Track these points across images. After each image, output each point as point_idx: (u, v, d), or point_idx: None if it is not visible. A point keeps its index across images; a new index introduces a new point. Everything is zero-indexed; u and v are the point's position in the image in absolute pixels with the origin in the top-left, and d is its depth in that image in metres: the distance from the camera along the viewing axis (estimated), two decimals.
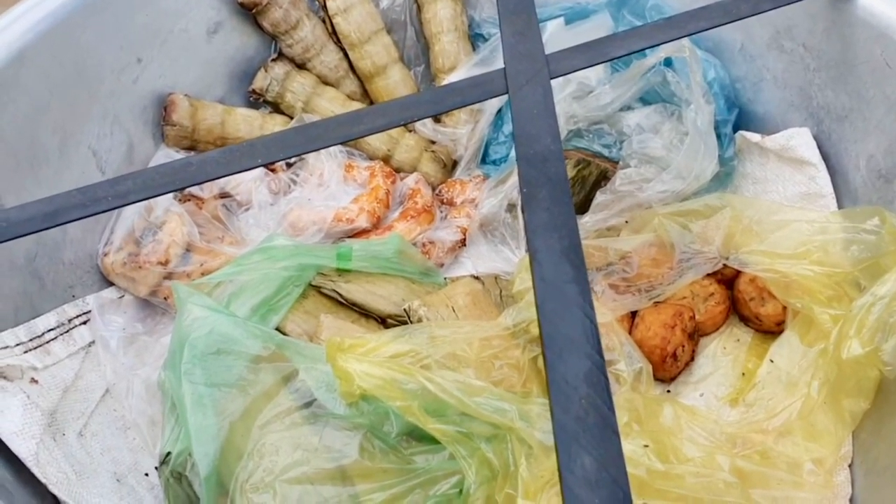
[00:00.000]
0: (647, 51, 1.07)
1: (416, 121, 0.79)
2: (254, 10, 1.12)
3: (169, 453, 0.83)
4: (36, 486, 0.72)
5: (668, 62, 1.11)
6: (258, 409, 0.83)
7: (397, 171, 1.19)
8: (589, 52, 0.87)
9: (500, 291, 1.01)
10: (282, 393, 0.84)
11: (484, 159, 1.22)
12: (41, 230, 0.67)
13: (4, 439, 0.69)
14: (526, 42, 0.87)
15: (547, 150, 0.74)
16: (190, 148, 1.12)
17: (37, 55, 0.93)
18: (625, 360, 0.87)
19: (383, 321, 0.98)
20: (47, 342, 0.86)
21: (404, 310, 0.95)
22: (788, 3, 0.94)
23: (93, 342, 0.92)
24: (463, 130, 1.19)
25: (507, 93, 0.82)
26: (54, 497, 0.74)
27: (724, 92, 1.13)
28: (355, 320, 0.97)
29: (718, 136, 1.09)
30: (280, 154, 0.75)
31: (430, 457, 0.81)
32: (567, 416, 0.56)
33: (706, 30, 0.91)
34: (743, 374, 0.96)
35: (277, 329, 0.93)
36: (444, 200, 1.17)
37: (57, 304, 0.93)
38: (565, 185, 0.71)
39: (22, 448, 0.70)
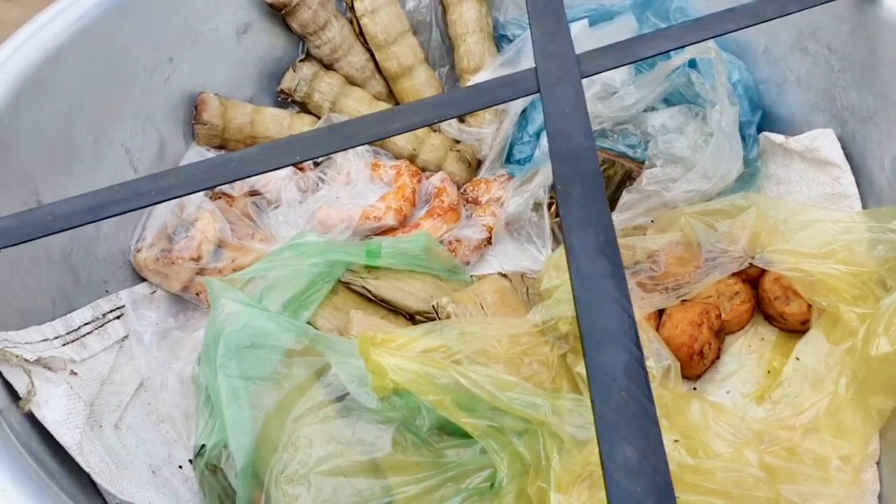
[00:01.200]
0: (672, 52, 1.08)
1: (449, 118, 0.81)
2: (283, 11, 1.14)
3: (203, 446, 0.84)
4: (79, 477, 0.74)
5: (692, 63, 1.12)
6: (292, 402, 0.84)
7: (422, 170, 1.20)
8: (619, 53, 0.88)
9: (527, 289, 1.02)
10: (315, 387, 0.85)
11: (508, 159, 1.23)
12: (85, 224, 0.69)
13: (50, 428, 0.71)
14: (556, 42, 0.88)
15: (580, 148, 0.75)
16: (220, 147, 1.14)
17: (73, 53, 0.95)
18: (653, 357, 0.88)
19: (411, 317, 0.99)
20: (83, 336, 0.88)
21: (433, 306, 0.96)
22: (814, 5, 0.95)
23: (126, 337, 0.94)
24: (488, 130, 1.20)
25: (538, 92, 0.83)
26: (94, 487, 0.76)
27: (748, 93, 1.14)
28: (384, 316, 0.98)
29: (742, 138, 1.10)
30: (317, 151, 0.77)
31: (461, 451, 0.82)
32: (607, 407, 0.57)
33: (733, 31, 0.92)
34: (768, 371, 0.97)
35: (308, 324, 0.95)
36: (469, 199, 1.18)
37: (91, 298, 0.94)
38: (599, 181, 0.72)
39: (66, 437, 0.71)
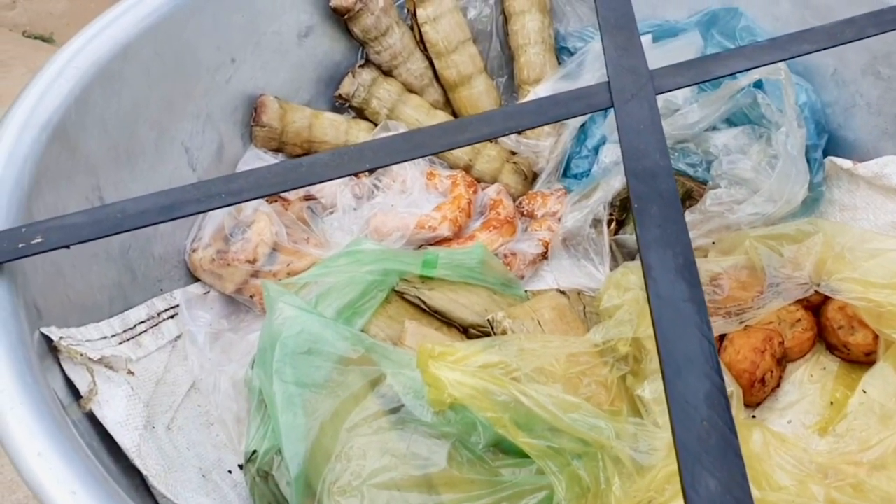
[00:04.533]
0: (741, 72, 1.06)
1: (520, 130, 0.80)
2: (346, 16, 1.13)
3: (255, 451, 0.83)
4: (132, 478, 0.73)
5: (758, 84, 1.10)
6: (346, 411, 0.83)
7: (478, 181, 1.19)
8: (693, 70, 0.87)
9: (584, 307, 1.00)
10: (369, 396, 0.84)
11: (565, 173, 1.21)
12: (156, 223, 0.68)
13: (109, 429, 0.70)
14: (629, 57, 0.87)
15: (656, 166, 0.74)
16: (277, 150, 1.14)
17: (140, 50, 0.95)
18: None
19: (465, 330, 0.98)
20: (139, 334, 0.87)
21: (488, 320, 0.94)
22: (894, 29, 0.92)
23: (179, 336, 0.93)
24: (546, 143, 1.18)
25: (611, 106, 0.82)
26: (147, 489, 0.75)
27: (815, 116, 1.12)
28: (438, 328, 0.97)
29: (808, 161, 1.07)
30: (387, 159, 0.76)
31: (517, 470, 0.81)
32: (689, 435, 0.55)
33: (809, 53, 0.90)
34: (831, 403, 0.94)
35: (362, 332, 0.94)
36: (525, 213, 1.16)
37: (146, 296, 0.94)
38: (676, 201, 0.71)
39: (126, 439, 0.70)
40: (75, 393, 0.71)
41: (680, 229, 0.67)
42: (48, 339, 0.70)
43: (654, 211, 0.69)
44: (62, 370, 0.70)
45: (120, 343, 0.83)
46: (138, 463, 0.71)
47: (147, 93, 0.96)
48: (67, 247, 0.66)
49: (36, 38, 2.48)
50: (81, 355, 0.69)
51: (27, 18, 2.54)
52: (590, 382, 0.86)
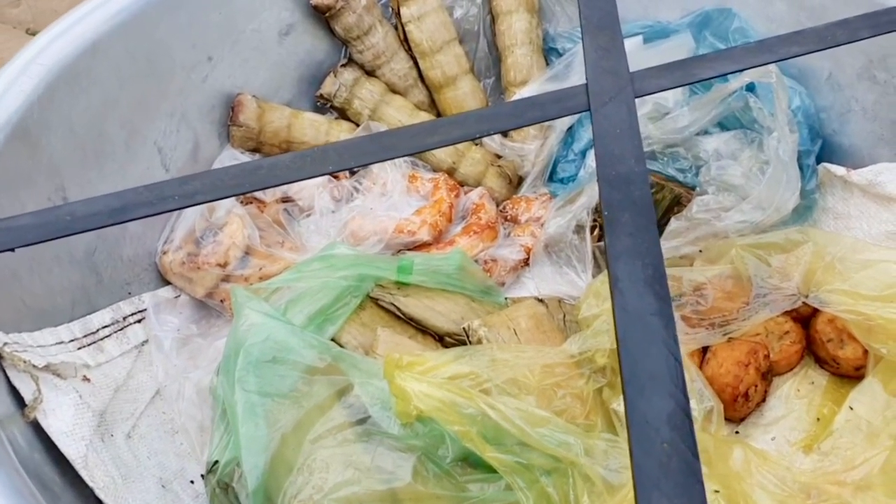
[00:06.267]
0: (730, 75, 1.03)
1: (492, 134, 0.77)
2: (327, 14, 1.11)
3: (217, 462, 0.81)
4: (82, 489, 0.70)
5: (750, 87, 1.07)
6: (310, 422, 0.80)
7: (461, 184, 1.16)
8: (676, 73, 0.83)
9: (564, 316, 0.97)
10: (335, 407, 0.81)
11: (551, 177, 1.18)
12: (106, 226, 0.65)
13: (54, 439, 0.68)
14: (610, 58, 0.83)
15: (631, 172, 0.70)
16: (255, 150, 1.11)
17: (111, 48, 0.93)
18: (695, 398, 0.83)
19: (441, 338, 0.95)
20: (101, 339, 0.85)
21: (463, 329, 0.92)
22: (889, 31, 0.89)
23: (146, 341, 0.91)
24: (531, 146, 1.16)
25: (588, 110, 0.79)
26: (99, 500, 0.72)
27: (809, 121, 1.08)
28: (412, 336, 0.94)
29: (800, 168, 1.04)
30: (351, 162, 0.73)
31: (485, 485, 0.78)
32: (648, 459, 0.52)
33: (799, 55, 0.86)
34: (818, 419, 0.91)
35: (333, 340, 0.91)
36: (508, 217, 1.13)
37: (113, 299, 0.91)
38: (650, 209, 0.67)
39: (71, 449, 0.68)
40: (21, 402, 0.68)
41: (651, 239, 0.64)
42: None
43: (626, 219, 0.66)
44: (7, 378, 0.68)
45: (79, 348, 0.80)
46: (84, 475, 0.68)
47: (118, 91, 0.94)
48: (12, 250, 0.64)
49: None
50: (25, 362, 0.67)
51: (31, 16, 2.52)
52: (564, 394, 0.83)
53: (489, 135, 0.77)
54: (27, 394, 0.68)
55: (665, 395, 0.55)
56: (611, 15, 0.89)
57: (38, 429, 0.69)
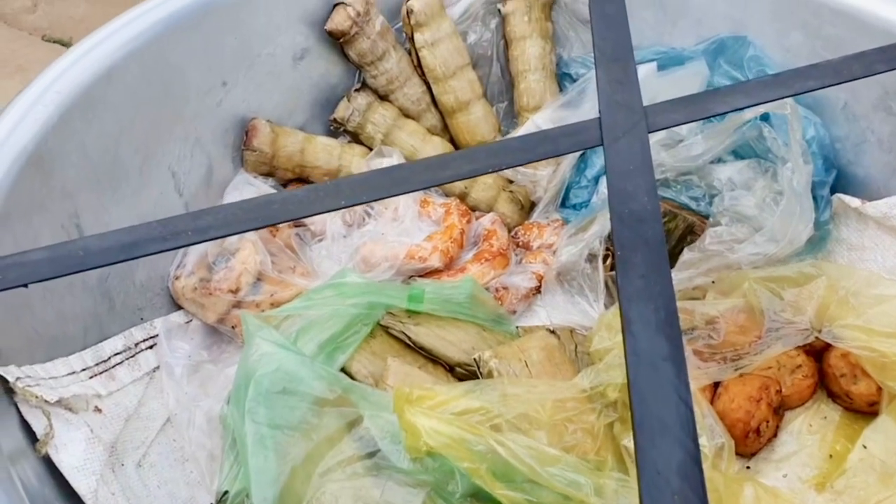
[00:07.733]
0: None
1: (504, 168, 0.76)
2: (342, 39, 1.11)
3: (226, 492, 0.81)
4: None
5: (764, 116, 1.06)
6: (320, 454, 0.80)
7: (473, 209, 1.16)
8: (690, 107, 0.83)
9: (576, 347, 0.97)
10: (345, 440, 0.81)
11: (563, 203, 1.18)
12: (118, 262, 0.66)
13: (65, 474, 0.68)
14: (623, 92, 0.83)
15: (643, 210, 0.70)
16: (268, 174, 1.11)
17: (126, 73, 0.93)
18: (706, 435, 0.82)
19: (451, 368, 0.95)
20: (113, 367, 0.85)
21: (474, 359, 0.91)
22: None
23: (157, 368, 0.91)
24: (544, 172, 1.15)
25: (601, 144, 0.78)
26: None
27: (823, 152, 1.07)
28: (422, 365, 0.94)
29: (814, 198, 1.03)
30: (364, 196, 0.73)
31: None
32: None
33: (814, 90, 0.86)
34: (830, 455, 0.90)
35: (343, 369, 0.91)
36: (520, 244, 1.13)
37: (125, 325, 0.92)
38: (662, 249, 0.67)
39: (82, 485, 0.68)
40: (33, 436, 0.69)
41: (664, 281, 0.64)
42: (5, 380, 0.68)
43: (638, 259, 0.66)
44: (19, 412, 0.68)
45: (91, 377, 0.80)
46: None
47: (132, 116, 0.94)
48: (25, 286, 0.64)
49: (55, 41, 2.48)
50: (37, 397, 0.67)
51: (47, 22, 2.54)
52: (576, 430, 0.83)
53: (501, 169, 0.76)
54: (39, 429, 0.68)
55: (675, 444, 0.55)
56: (624, 46, 0.88)
57: (48, 463, 0.69)
